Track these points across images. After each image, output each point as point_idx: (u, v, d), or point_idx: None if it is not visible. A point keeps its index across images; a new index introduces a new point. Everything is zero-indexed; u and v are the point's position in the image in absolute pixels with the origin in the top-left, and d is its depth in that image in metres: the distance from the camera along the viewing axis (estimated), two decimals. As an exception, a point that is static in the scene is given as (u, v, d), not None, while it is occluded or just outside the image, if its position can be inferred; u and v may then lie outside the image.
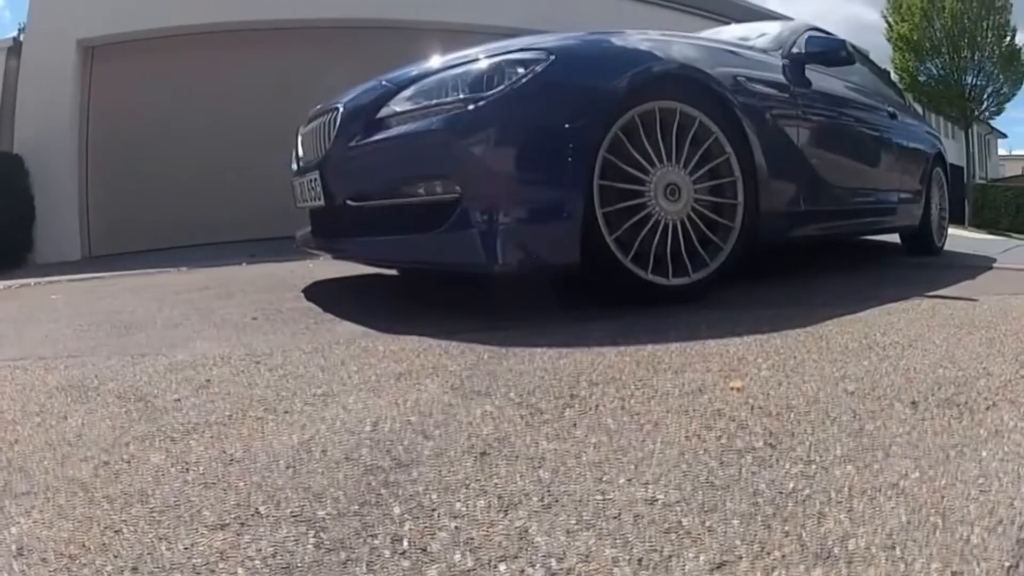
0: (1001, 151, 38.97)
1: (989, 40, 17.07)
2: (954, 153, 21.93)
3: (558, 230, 2.05)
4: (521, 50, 2.16)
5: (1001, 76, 17.61)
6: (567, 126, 2.05)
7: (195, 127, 7.99)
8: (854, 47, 4.64)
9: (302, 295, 2.87)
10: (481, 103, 2.03)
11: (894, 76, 19.11)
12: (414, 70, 2.38)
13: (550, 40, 2.30)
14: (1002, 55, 17.27)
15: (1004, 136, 34.65)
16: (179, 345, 1.94)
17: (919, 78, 17.79)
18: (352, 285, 3.15)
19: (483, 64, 2.15)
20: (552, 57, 2.11)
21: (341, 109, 2.41)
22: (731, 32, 4.12)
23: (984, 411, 1.23)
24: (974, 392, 1.34)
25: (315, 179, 2.49)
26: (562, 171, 2.04)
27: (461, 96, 2.08)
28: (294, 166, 2.89)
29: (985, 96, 17.91)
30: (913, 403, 1.26)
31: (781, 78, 3.02)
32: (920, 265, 4.28)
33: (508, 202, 2.02)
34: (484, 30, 8.73)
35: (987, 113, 18.92)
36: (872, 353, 1.67)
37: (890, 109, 4.30)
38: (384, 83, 2.37)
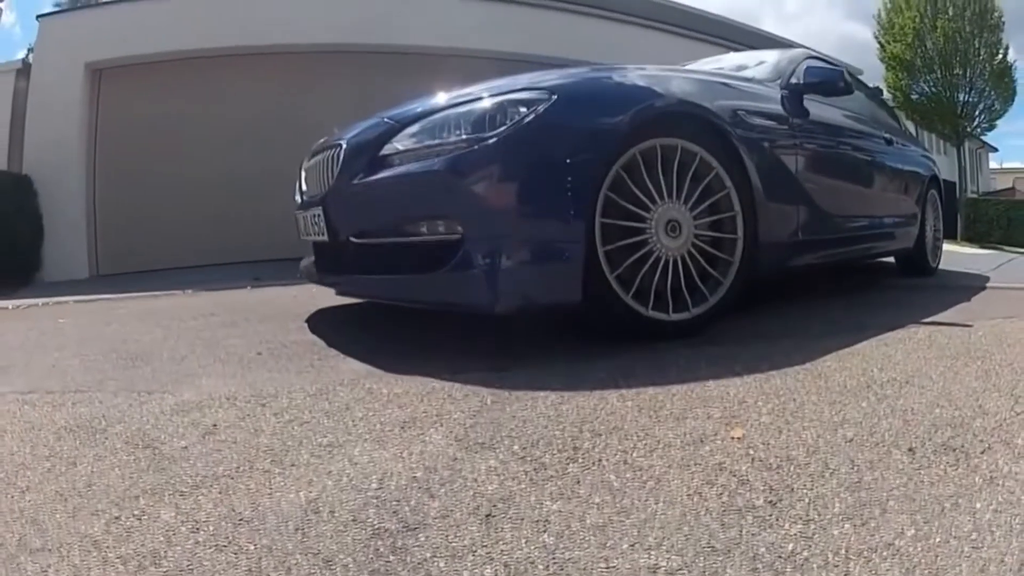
0: (992, 164, 39.14)
1: (981, 58, 17.13)
2: (946, 169, 21.99)
3: (561, 271, 2.06)
4: (523, 89, 2.18)
5: (992, 93, 17.66)
6: (569, 166, 2.07)
7: (201, 149, 8.08)
8: (849, 72, 4.69)
9: (306, 326, 2.89)
10: (484, 144, 2.04)
11: (887, 95, 19.25)
12: (417, 106, 2.40)
13: (552, 78, 2.31)
14: (993, 72, 17.32)
15: (995, 150, 34.79)
16: (185, 382, 1.96)
17: (912, 96, 17.86)
18: (354, 314, 3.17)
19: (486, 104, 2.15)
20: (554, 97, 2.12)
21: (344, 145, 2.42)
22: (730, 60, 4.17)
23: (980, 455, 1.25)
24: (970, 435, 1.36)
25: (318, 214, 2.51)
26: (565, 211, 2.06)
27: (464, 136, 2.09)
28: (297, 199, 2.92)
29: (977, 113, 17.96)
30: (911, 449, 1.28)
31: (780, 109, 3.05)
32: (915, 287, 4.31)
33: (511, 243, 2.03)
34: (487, 55, 8.83)
35: (979, 129, 18.99)
36: (870, 392, 1.69)
37: (886, 135, 4.34)
38: (387, 120, 2.38)
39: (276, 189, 7.78)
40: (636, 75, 2.54)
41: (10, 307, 4.93)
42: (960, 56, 16.95)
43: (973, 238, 18.16)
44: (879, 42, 18.37)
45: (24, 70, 8.27)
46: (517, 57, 9.15)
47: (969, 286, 4.53)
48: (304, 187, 2.86)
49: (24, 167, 7.65)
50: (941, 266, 5.43)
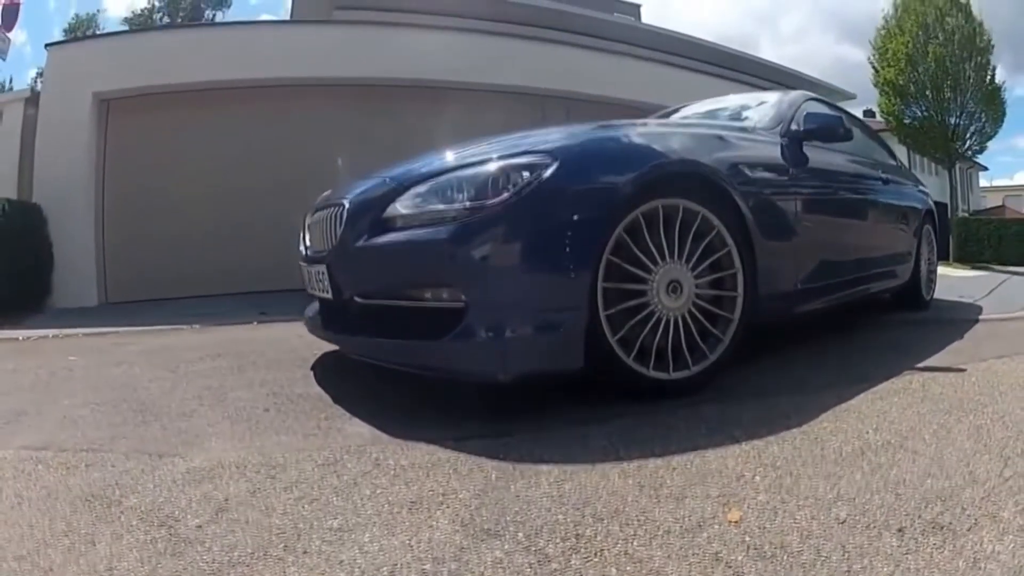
0: (982, 182, 39.30)
1: (971, 81, 17.22)
2: (938, 190, 22.05)
3: (563, 339, 2.09)
4: (526, 153, 2.20)
5: (983, 115, 17.73)
6: (572, 233, 2.09)
7: (210, 179, 8.18)
8: (846, 112, 4.75)
9: (311, 374, 2.93)
10: (486, 211, 2.06)
11: (879, 118, 19.35)
12: (418, 167, 2.43)
13: (555, 139, 2.35)
14: (983, 95, 17.40)
15: (985, 168, 34.89)
16: (194, 443, 2.01)
17: (904, 121, 17.95)
18: (356, 361, 3.19)
19: (488, 168, 2.17)
20: (557, 161, 2.13)
21: (347, 205, 2.44)
22: (732, 101, 4.22)
23: (967, 532, 1.30)
24: (959, 508, 1.41)
25: (323, 272, 2.54)
26: (567, 279, 2.08)
27: (466, 204, 2.10)
28: (302, 250, 2.95)
29: (968, 135, 18.02)
30: (900, 530, 1.32)
31: (780, 160, 3.09)
32: (909, 323, 4.38)
33: (514, 312, 2.05)
34: (487, 88, 8.92)
35: (971, 151, 19.07)
36: (864, 460, 1.74)
37: (882, 175, 4.39)
38: (388, 180, 2.40)
39: (282, 221, 7.87)
40: (638, 134, 2.58)
41: (20, 338, 4.99)
42: (951, 80, 17.05)
43: (965, 258, 18.24)
44: (873, 67, 18.48)
45: (33, 98, 8.36)
46: (517, 90, 9.27)
47: (962, 319, 4.61)
48: (308, 242, 2.88)
49: (34, 195, 7.70)
50: (935, 293, 5.49)
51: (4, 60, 9.26)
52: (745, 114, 3.82)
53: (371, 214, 2.32)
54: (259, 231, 7.99)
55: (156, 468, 1.79)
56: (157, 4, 33.68)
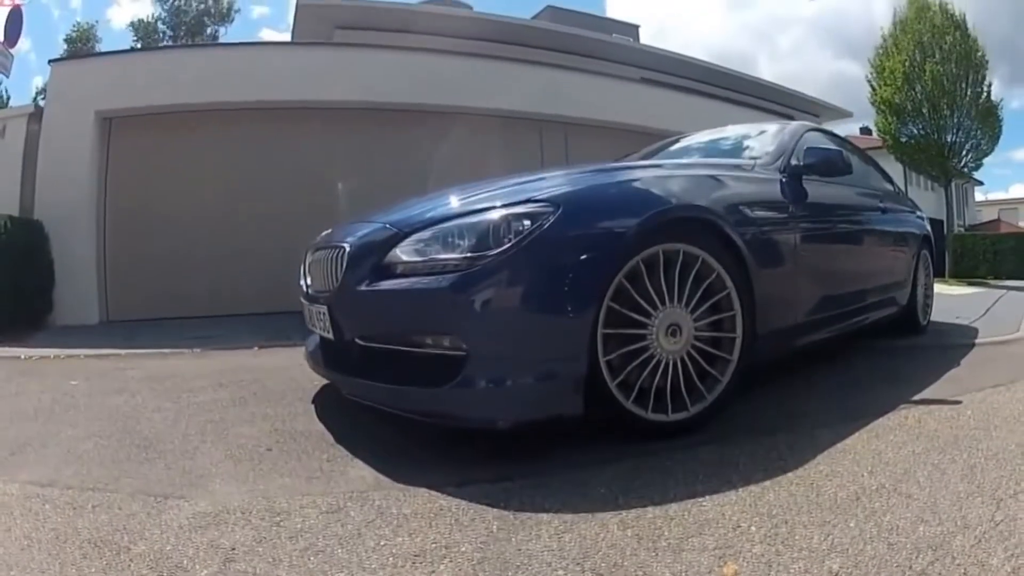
0: (978, 196, 39.47)
1: (967, 98, 17.28)
2: (934, 206, 22.19)
3: (564, 386, 2.11)
4: (528, 202, 2.22)
5: (979, 132, 17.79)
6: (573, 281, 2.11)
7: (211, 199, 8.22)
8: (844, 141, 4.80)
9: (312, 409, 2.96)
10: (488, 261, 2.07)
11: (875, 134, 19.43)
12: (420, 211, 2.45)
13: (557, 184, 2.40)
14: (979, 112, 17.46)
15: (980, 183, 35.01)
16: (198, 484, 2.04)
17: (901, 139, 18.03)
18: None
19: (490, 216, 2.19)
20: (559, 210, 2.16)
21: (348, 249, 2.45)
22: (733, 132, 4.28)
23: (955, 584, 1.32)
24: (948, 558, 1.45)
25: (324, 313, 2.56)
26: (568, 328, 2.11)
27: (468, 253, 2.11)
28: (303, 286, 2.95)
29: (964, 152, 18.08)
30: (891, 583, 1.35)
31: (779, 196, 3.12)
32: (905, 350, 4.41)
33: (515, 361, 2.08)
34: (486, 113, 8.99)
35: (967, 168, 19.14)
36: (859, 506, 1.77)
37: (880, 204, 4.42)
38: (388, 225, 2.41)
39: (284, 242, 7.91)
40: (639, 177, 2.61)
41: (22, 357, 5.01)
42: (947, 98, 17.11)
43: (961, 273, 18.34)
44: (871, 86, 18.57)
45: (36, 114, 8.37)
46: (517, 114, 9.34)
47: (958, 344, 4.66)
48: (309, 280, 2.88)
49: (36, 211, 7.71)
50: (931, 313, 5.52)
51: (7, 76, 9.27)
52: (747, 143, 3.88)
53: (372, 258, 2.33)
54: (260, 252, 8.02)
55: (162, 511, 1.82)
56: (161, 14, 33.77)
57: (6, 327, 6.40)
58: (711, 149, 4.10)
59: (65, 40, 32.69)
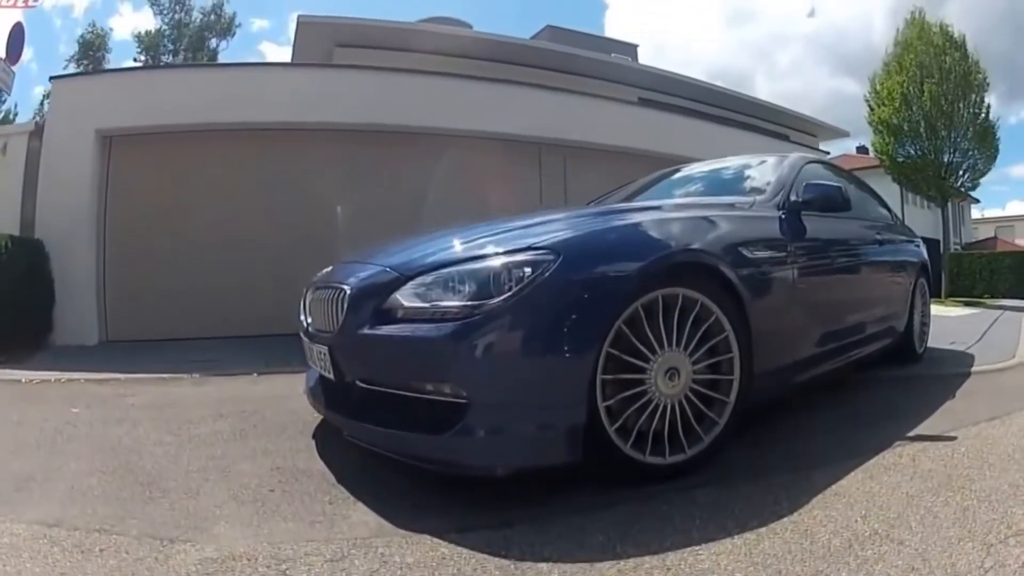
0: (974, 214, 39.51)
1: (965, 119, 17.32)
2: (931, 226, 22.20)
3: (563, 434, 2.14)
4: (529, 249, 2.24)
5: (976, 152, 17.82)
6: (573, 329, 2.14)
7: (211, 220, 8.21)
8: (843, 171, 4.85)
9: (313, 444, 2.98)
10: (489, 309, 2.09)
11: (872, 154, 19.50)
12: (420, 255, 2.48)
13: (558, 229, 2.44)
14: (976, 132, 17.51)
15: (977, 201, 35.05)
16: (203, 527, 2.06)
17: (898, 160, 18.07)
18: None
19: (491, 263, 2.21)
20: (559, 258, 2.19)
21: (348, 291, 2.47)
22: (733, 164, 4.31)
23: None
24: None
25: (325, 353, 2.57)
26: (568, 376, 2.14)
27: (469, 301, 2.13)
28: (303, 322, 2.95)
29: (961, 172, 18.12)
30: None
31: (778, 234, 3.15)
32: (901, 381, 4.45)
33: (515, 410, 2.11)
34: (488, 135, 9.06)
35: (963, 188, 19.17)
36: (851, 554, 1.81)
37: (879, 237, 4.45)
38: (388, 269, 2.44)
39: (283, 264, 7.97)
40: (639, 222, 2.65)
41: (23, 380, 5.02)
42: (945, 119, 17.15)
43: (957, 292, 18.40)
44: (868, 106, 18.63)
45: (37, 131, 8.36)
46: (515, 137, 9.41)
47: (954, 373, 4.70)
48: (309, 319, 2.88)
49: (36, 230, 7.68)
50: (928, 340, 5.55)
51: (9, 93, 9.31)
52: (746, 177, 3.93)
53: (373, 302, 2.35)
54: (260, 274, 8.03)
55: (169, 557, 1.84)
56: (163, 27, 33.86)
57: (7, 346, 6.40)
58: (710, 183, 4.15)
59: (78, 42, 32.61)
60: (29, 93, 49.10)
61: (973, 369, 4.93)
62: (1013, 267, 19.80)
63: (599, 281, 2.25)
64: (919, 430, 3.11)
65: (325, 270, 2.99)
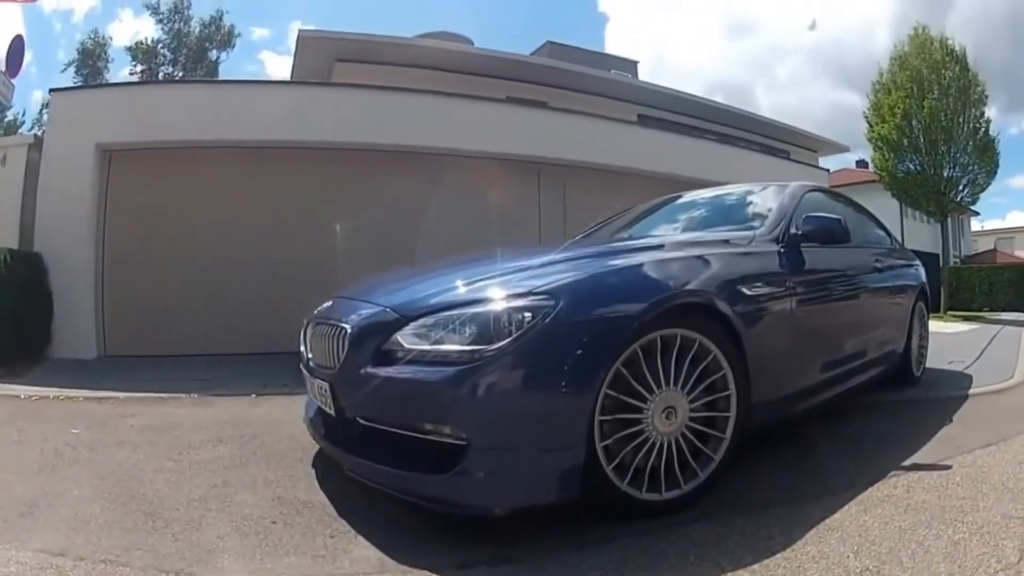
0: (974, 226, 39.48)
1: (964, 133, 17.33)
2: (929, 240, 22.27)
3: (561, 474, 2.18)
4: (530, 294, 2.27)
5: (976, 167, 17.82)
6: (572, 373, 2.17)
7: (209, 237, 8.23)
8: (839, 196, 4.87)
9: (313, 473, 3.00)
10: (489, 354, 2.12)
11: (871, 169, 19.52)
12: (421, 295, 2.50)
13: (558, 272, 2.47)
14: (976, 147, 17.51)
15: (976, 214, 35.01)
16: (207, 560, 2.10)
17: (897, 175, 18.08)
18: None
19: (492, 308, 2.24)
20: (559, 303, 2.22)
21: (349, 331, 2.49)
22: (734, 193, 4.36)
23: None
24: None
25: (326, 389, 2.59)
26: (567, 419, 2.17)
27: (469, 346, 2.17)
28: (303, 353, 2.97)
29: (961, 187, 18.11)
30: None
31: (777, 268, 3.17)
32: (898, 405, 4.44)
33: (515, 452, 2.15)
34: (488, 155, 9.11)
35: (963, 202, 19.16)
36: (842, 596, 1.82)
37: (877, 264, 4.45)
38: (389, 309, 2.46)
39: (281, 282, 8.03)
40: (639, 263, 2.66)
41: (22, 396, 5.04)
42: (944, 134, 17.13)
43: (957, 306, 18.44)
44: (868, 122, 18.65)
45: (37, 143, 8.35)
46: (515, 157, 9.47)
47: (951, 396, 4.71)
48: (310, 354, 2.89)
49: (35, 243, 7.69)
50: (926, 361, 5.52)
51: (10, 106, 9.33)
52: (746, 207, 3.98)
53: (374, 342, 2.38)
54: (258, 291, 8.06)
55: (174, 594, 1.87)
56: (162, 37, 33.91)
57: (5, 360, 6.42)
58: (710, 213, 4.19)
59: (78, 49, 32.61)
60: (29, 97, 49.19)
61: (971, 391, 4.93)
62: (1012, 280, 19.92)
63: (598, 325, 2.28)
64: (914, 459, 3.13)
65: (325, 305, 3.00)
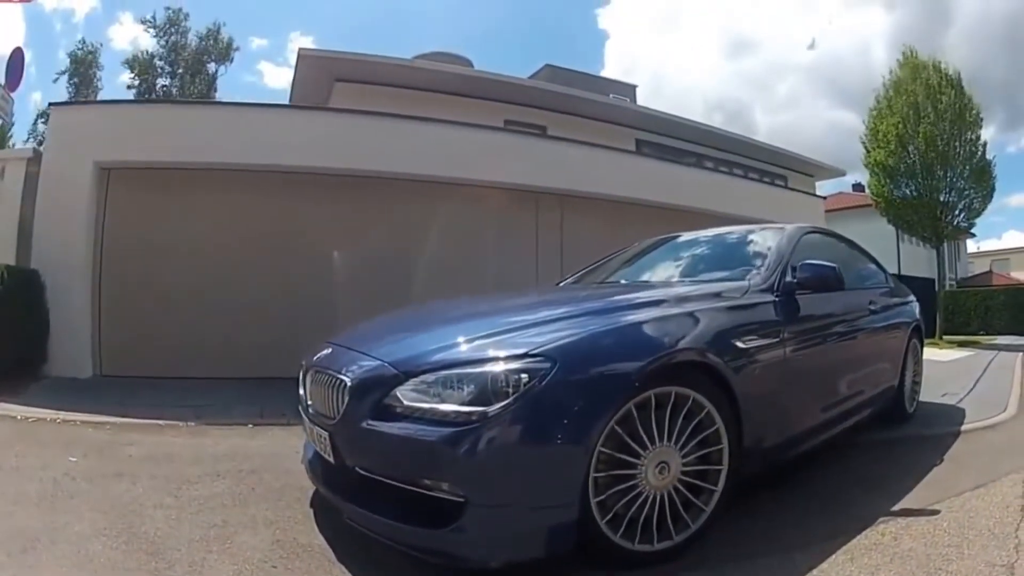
0: (970, 247, 39.48)
1: (960, 157, 17.37)
2: (925, 264, 22.31)
3: (557, 530, 2.24)
4: (527, 356, 2.32)
5: (972, 191, 17.90)
6: (568, 432, 2.24)
7: (206, 259, 8.20)
8: (837, 235, 4.92)
9: (311, 514, 3.03)
10: (487, 415, 2.19)
11: (867, 193, 19.57)
12: (421, 349, 2.57)
13: (556, 329, 2.52)
14: (973, 171, 17.59)
15: (973, 235, 35.03)
16: (209, 609, 2.13)
17: (893, 201, 18.15)
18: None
19: (490, 369, 2.30)
20: (556, 365, 2.28)
21: (348, 384, 2.53)
22: (732, 235, 4.45)
23: None
24: None
25: (325, 438, 2.63)
26: (561, 477, 2.24)
27: (467, 407, 2.22)
28: (302, 395, 3.00)
29: (957, 212, 18.17)
30: None
31: (772, 317, 3.22)
32: (889, 446, 4.46)
33: (512, 508, 2.21)
34: (486, 184, 9.18)
35: (960, 227, 19.19)
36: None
37: (872, 306, 4.46)
38: (388, 365, 2.50)
39: (278, 307, 8.03)
40: (636, 321, 2.71)
41: (19, 417, 5.04)
42: (940, 158, 17.19)
43: (953, 330, 18.41)
44: (865, 147, 18.75)
45: (35, 158, 8.26)
46: (513, 186, 9.53)
47: (943, 434, 4.72)
48: (309, 400, 2.91)
49: (32, 260, 7.64)
50: (919, 395, 5.52)
51: (12, 122, 9.31)
52: (745, 245, 4.07)
53: (374, 396, 2.43)
54: (254, 316, 8.04)
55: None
56: (159, 50, 33.91)
57: (2, 377, 6.39)
58: (708, 256, 4.26)
59: (69, 56, 32.54)
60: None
61: (963, 427, 4.95)
62: (1007, 303, 19.97)
63: (593, 386, 2.35)
64: (903, 503, 3.17)
65: (324, 352, 3.00)
